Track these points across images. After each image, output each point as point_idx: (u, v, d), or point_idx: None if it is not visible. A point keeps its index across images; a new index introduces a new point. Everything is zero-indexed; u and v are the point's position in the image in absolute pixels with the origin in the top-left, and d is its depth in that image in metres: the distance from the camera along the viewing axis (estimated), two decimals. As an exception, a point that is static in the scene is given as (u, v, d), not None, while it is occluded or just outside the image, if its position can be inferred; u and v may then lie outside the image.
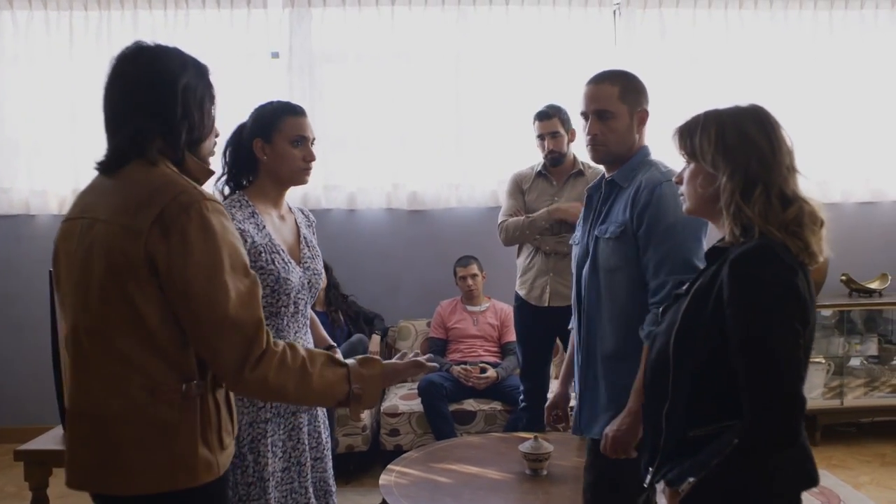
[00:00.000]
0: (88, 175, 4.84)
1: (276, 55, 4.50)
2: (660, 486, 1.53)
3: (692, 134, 1.52)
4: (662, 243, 1.91)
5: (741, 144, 1.46)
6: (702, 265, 1.78)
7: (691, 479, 1.38)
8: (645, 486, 1.51)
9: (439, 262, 4.53)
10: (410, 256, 4.58)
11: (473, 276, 4.27)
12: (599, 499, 2.06)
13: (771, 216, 1.42)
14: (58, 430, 2.98)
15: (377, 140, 4.49)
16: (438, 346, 4.31)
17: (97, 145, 4.85)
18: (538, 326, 3.68)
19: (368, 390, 1.56)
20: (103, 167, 1.46)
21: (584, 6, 4.48)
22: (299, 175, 2.07)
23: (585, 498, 2.11)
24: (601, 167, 3.75)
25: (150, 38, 4.70)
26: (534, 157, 3.83)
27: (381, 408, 4.01)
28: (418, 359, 1.70)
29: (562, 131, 3.60)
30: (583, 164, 3.68)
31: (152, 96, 1.44)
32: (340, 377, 1.53)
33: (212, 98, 1.52)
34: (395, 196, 4.55)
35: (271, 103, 2.09)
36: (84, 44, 4.40)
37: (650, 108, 2.12)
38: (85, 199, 1.49)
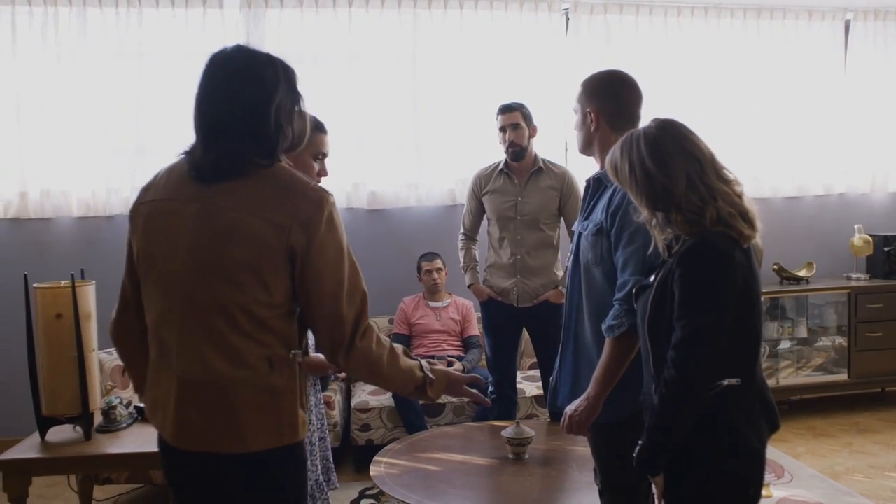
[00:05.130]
0: (43, 176, 4.55)
1: (232, 56, 4.48)
2: None
3: (616, 168, 1.78)
4: (629, 245, 1.99)
5: (645, 179, 1.71)
6: None
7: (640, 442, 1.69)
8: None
9: (399, 260, 4.63)
10: (371, 255, 4.64)
11: (438, 270, 4.40)
12: (611, 478, 2.17)
13: (696, 223, 1.67)
14: (34, 439, 2.91)
15: (336, 141, 4.36)
16: (402, 341, 4.39)
17: (44, 144, 4.63)
18: (506, 321, 3.83)
19: (438, 380, 1.67)
20: (199, 176, 1.54)
21: (535, 10, 4.67)
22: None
23: (597, 479, 2.21)
24: (563, 165, 3.97)
25: (101, 37, 4.50)
26: (491, 155, 3.99)
27: (352, 404, 4.08)
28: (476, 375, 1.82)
29: (523, 124, 3.73)
30: (544, 161, 3.84)
31: (250, 116, 1.53)
32: (415, 365, 1.66)
33: (301, 108, 1.62)
34: (354, 196, 4.61)
35: None
36: (28, 41, 4.25)
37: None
38: (186, 184, 1.55)
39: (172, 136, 4.29)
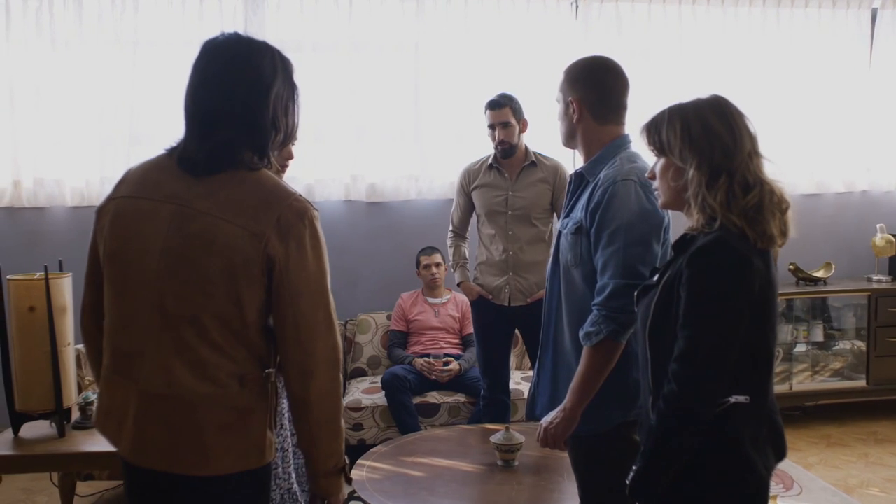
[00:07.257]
0: (37, 165, 4.50)
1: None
2: None
3: (659, 129, 1.58)
4: (608, 246, 1.84)
5: (705, 136, 1.53)
6: (646, 270, 1.82)
7: (633, 467, 1.51)
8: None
9: (398, 255, 4.51)
10: (369, 249, 4.54)
11: (437, 264, 4.26)
12: (591, 494, 2.03)
13: (733, 204, 1.50)
14: (7, 435, 2.84)
15: (335, 131, 4.42)
16: (399, 338, 4.28)
17: (38, 132, 4.55)
18: (498, 322, 3.69)
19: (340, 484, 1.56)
20: (192, 168, 1.45)
21: (543, -1, 4.50)
22: (280, 174, 2.05)
23: (580, 494, 2.07)
24: (555, 158, 3.80)
25: (96, 25, 4.42)
26: (492, 148, 3.84)
27: (344, 402, 3.97)
28: None
29: (513, 121, 3.57)
30: (536, 154, 3.68)
31: (247, 107, 1.45)
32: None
33: (295, 101, 1.54)
34: (353, 188, 4.49)
35: None
36: (23, 28, 4.17)
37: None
38: (164, 183, 1.46)
39: (168, 125, 4.17)
